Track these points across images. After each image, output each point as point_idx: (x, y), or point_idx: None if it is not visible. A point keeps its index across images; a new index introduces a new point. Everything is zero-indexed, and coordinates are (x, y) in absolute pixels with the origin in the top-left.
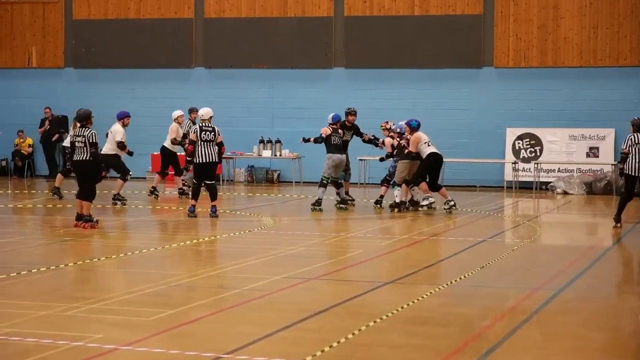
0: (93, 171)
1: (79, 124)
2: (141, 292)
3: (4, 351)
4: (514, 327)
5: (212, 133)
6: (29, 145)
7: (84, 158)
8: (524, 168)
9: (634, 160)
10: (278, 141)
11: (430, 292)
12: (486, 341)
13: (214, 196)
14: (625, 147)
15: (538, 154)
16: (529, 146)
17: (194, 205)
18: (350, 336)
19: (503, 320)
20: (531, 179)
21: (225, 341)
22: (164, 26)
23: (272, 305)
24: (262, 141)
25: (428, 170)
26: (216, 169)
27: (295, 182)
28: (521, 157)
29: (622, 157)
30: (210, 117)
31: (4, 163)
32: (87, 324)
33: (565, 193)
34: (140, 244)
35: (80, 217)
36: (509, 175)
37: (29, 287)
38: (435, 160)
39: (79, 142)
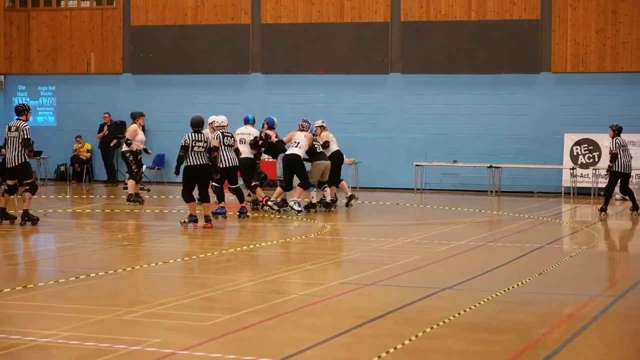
0: (210, 174)
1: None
2: (198, 296)
3: (63, 355)
4: (572, 335)
5: (232, 138)
6: (88, 151)
7: (204, 162)
8: (582, 174)
9: (622, 160)
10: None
11: (488, 299)
12: (544, 349)
13: (241, 198)
14: (614, 149)
15: (596, 159)
16: (587, 152)
17: (223, 207)
18: (407, 342)
19: (561, 328)
20: (589, 185)
21: (282, 346)
22: (221, 32)
23: (329, 310)
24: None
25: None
26: (237, 173)
27: (352, 187)
28: (579, 162)
29: (612, 157)
30: (224, 122)
31: (62, 168)
32: (145, 328)
33: (624, 199)
34: (198, 249)
35: (208, 219)
36: (566, 181)
37: (88, 291)
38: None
39: (198, 146)
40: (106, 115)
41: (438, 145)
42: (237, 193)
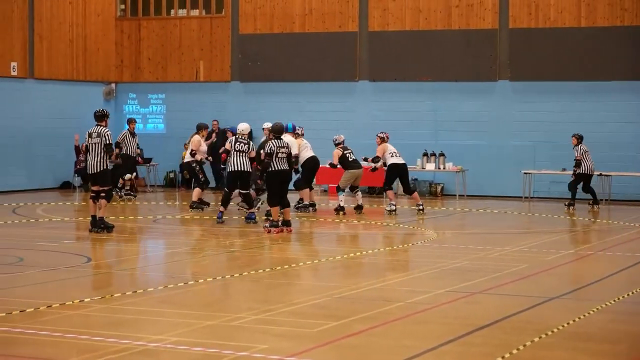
0: (290, 179)
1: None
2: (305, 303)
3: None
4: None
5: (247, 145)
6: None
7: (286, 168)
8: None
9: (586, 164)
10: (442, 154)
11: (597, 309)
12: None
13: (250, 204)
14: (578, 155)
15: None
16: None
17: (222, 212)
18: (515, 351)
19: None
20: None
21: (389, 354)
22: (329, 40)
23: (436, 318)
24: (425, 154)
25: (393, 179)
26: (249, 179)
27: (459, 195)
28: None
29: (577, 163)
30: (250, 132)
31: (172, 175)
32: (252, 334)
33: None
34: (304, 256)
35: (287, 223)
36: None
37: (196, 297)
38: (398, 170)
39: (282, 152)
40: (215, 122)
41: (546, 153)
42: (246, 198)
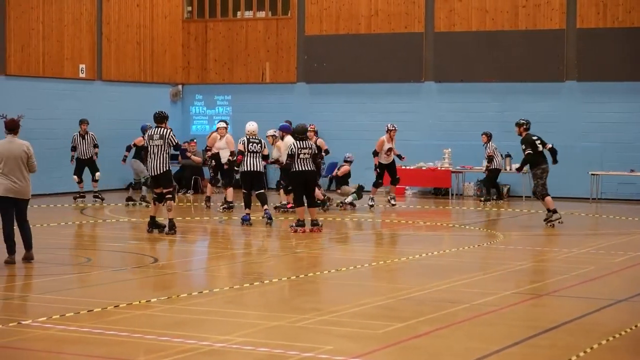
0: (316, 179)
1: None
2: (370, 304)
3: None
4: None
5: (259, 145)
6: None
7: (310, 168)
8: None
9: (497, 160)
10: (508, 155)
11: None
12: None
13: (264, 201)
14: (490, 151)
15: None
16: None
17: (248, 214)
18: (581, 354)
19: None
20: None
21: (454, 356)
22: (395, 41)
23: (502, 320)
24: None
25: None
26: (263, 178)
27: (525, 196)
28: None
29: (489, 159)
30: (255, 130)
31: (237, 176)
32: (317, 335)
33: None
34: (369, 257)
35: (315, 222)
36: None
37: (261, 298)
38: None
39: (304, 153)
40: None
41: (614, 154)
42: (261, 197)
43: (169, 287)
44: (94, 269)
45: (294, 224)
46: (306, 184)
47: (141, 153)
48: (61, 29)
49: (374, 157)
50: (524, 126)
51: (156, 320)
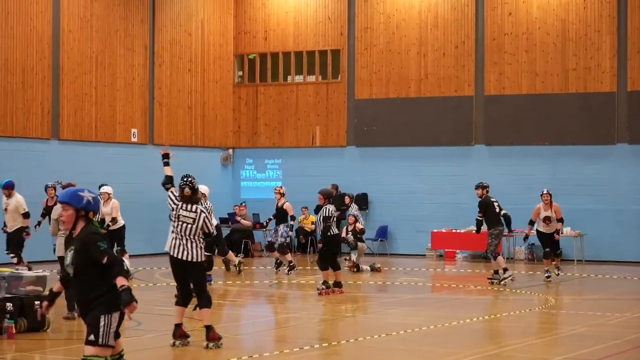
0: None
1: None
2: None
3: None
4: None
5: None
6: (312, 222)
7: (336, 232)
8: None
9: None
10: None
11: None
12: None
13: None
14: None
15: None
16: None
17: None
18: None
19: None
20: None
21: None
22: (445, 104)
23: None
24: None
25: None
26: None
27: (577, 260)
28: None
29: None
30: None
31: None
32: None
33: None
34: (419, 321)
35: (339, 284)
36: None
37: None
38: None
39: (334, 217)
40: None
41: None
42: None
43: (216, 351)
44: (144, 332)
45: (319, 287)
46: (334, 247)
47: None
48: (113, 93)
49: (529, 225)
50: (486, 189)
51: None
